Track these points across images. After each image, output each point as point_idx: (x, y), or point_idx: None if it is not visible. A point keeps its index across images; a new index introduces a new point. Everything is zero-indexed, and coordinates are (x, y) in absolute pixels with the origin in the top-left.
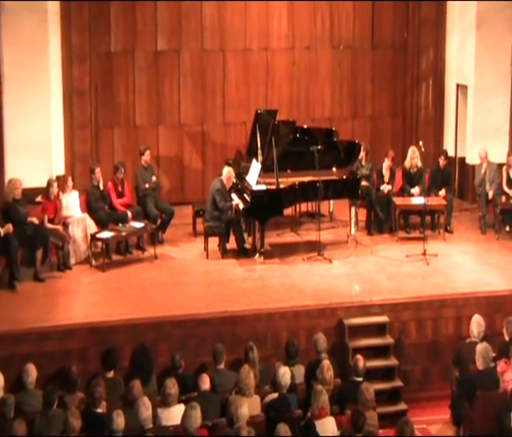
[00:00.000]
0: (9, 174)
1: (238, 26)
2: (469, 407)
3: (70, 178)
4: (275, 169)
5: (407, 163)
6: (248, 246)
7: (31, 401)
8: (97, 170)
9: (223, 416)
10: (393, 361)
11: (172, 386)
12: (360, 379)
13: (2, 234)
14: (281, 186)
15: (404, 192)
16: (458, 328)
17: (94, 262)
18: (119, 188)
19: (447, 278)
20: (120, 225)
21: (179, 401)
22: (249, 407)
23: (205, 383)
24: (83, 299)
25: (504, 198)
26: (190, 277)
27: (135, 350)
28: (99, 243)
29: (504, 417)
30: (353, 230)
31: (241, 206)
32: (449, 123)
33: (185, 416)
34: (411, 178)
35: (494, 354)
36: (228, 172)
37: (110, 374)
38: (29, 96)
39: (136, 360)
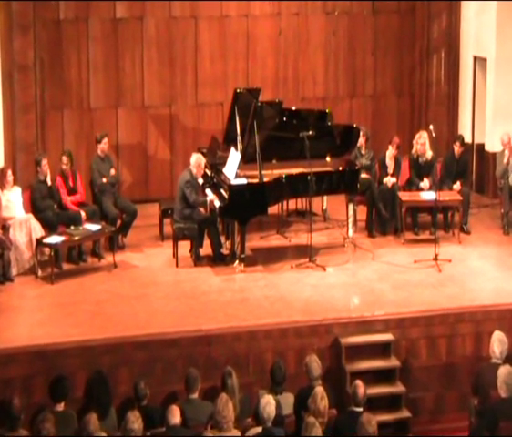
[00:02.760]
0: None
1: None
2: None
3: (10, 172)
4: (258, 159)
5: (414, 151)
6: (225, 251)
7: None
8: (44, 162)
9: None
10: (399, 388)
11: (135, 420)
12: (360, 409)
13: None
14: (265, 179)
15: (411, 186)
16: (477, 347)
17: (40, 272)
18: (70, 183)
19: (464, 287)
20: (72, 227)
21: None
22: None
23: (175, 416)
24: (27, 317)
25: None
26: (157, 289)
27: (90, 377)
28: (47, 249)
29: None
30: (350, 232)
31: (218, 203)
32: (465, 102)
33: None
34: (420, 169)
35: None
36: (197, 159)
37: (60, 407)
38: None
39: (91, 389)
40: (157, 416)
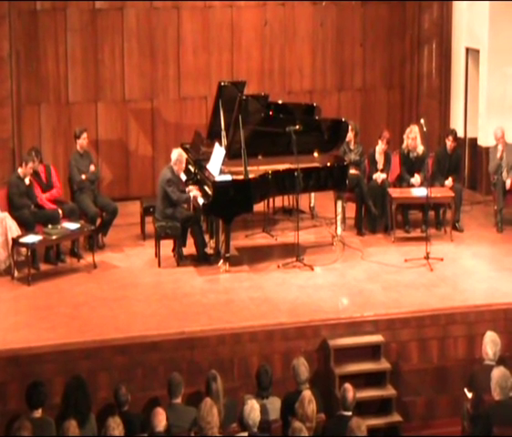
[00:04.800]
0: None
1: None
2: None
3: None
4: (243, 155)
5: (405, 146)
6: (209, 251)
7: None
8: (30, 165)
9: None
10: (389, 391)
11: (116, 426)
12: (349, 413)
13: None
14: (251, 175)
15: (402, 182)
16: (470, 349)
17: (16, 273)
18: (43, 179)
19: (456, 287)
20: (50, 226)
21: None
22: None
23: (160, 420)
24: (1, 320)
25: None
26: (138, 290)
27: (68, 383)
28: (23, 249)
29: None
30: (339, 230)
31: (201, 201)
32: (457, 95)
33: None
34: (410, 165)
35: None
36: (178, 155)
37: (37, 414)
38: None
39: (69, 395)
40: (138, 422)
